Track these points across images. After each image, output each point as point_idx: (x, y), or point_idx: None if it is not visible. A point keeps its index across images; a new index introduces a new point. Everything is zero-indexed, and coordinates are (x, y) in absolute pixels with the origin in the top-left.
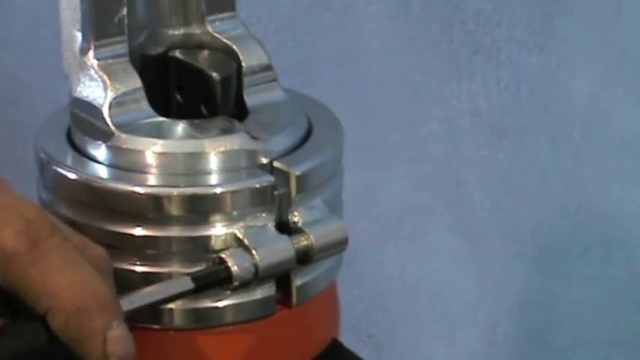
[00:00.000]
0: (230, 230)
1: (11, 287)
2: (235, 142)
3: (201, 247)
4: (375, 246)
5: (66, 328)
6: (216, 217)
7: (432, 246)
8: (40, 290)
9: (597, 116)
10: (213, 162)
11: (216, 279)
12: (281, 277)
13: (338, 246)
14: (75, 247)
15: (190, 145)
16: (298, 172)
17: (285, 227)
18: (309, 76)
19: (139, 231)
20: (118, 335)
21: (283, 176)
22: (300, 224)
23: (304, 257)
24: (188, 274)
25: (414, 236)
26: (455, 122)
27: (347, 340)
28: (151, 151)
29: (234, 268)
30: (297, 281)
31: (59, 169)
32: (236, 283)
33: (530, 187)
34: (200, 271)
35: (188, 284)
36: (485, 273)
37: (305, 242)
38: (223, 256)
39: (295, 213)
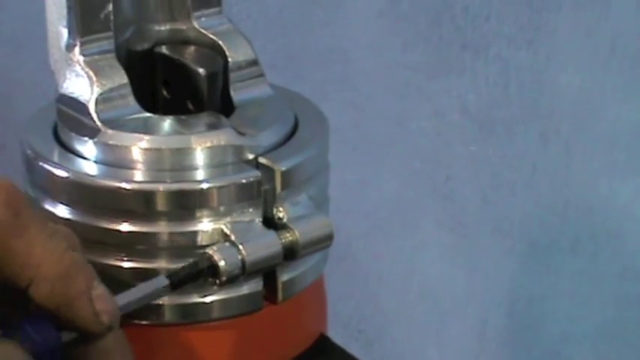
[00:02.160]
0: (217, 226)
1: None
2: (222, 137)
3: (188, 242)
4: (365, 241)
5: (52, 295)
6: (203, 212)
7: (422, 241)
8: (23, 262)
9: (586, 111)
10: (200, 158)
11: (194, 276)
12: (267, 272)
13: (323, 242)
14: (46, 219)
15: (177, 141)
16: (283, 168)
17: (270, 223)
18: (299, 72)
19: (125, 227)
20: (102, 293)
21: (268, 172)
22: (285, 220)
23: (289, 253)
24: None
25: (404, 231)
26: (444, 118)
27: (338, 335)
28: (138, 147)
29: (222, 263)
30: (283, 277)
31: (46, 166)
32: (224, 278)
33: (520, 181)
34: (178, 271)
35: (165, 287)
36: (475, 268)
37: (290, 238)
38: (210, 251)
39: (280, 209)
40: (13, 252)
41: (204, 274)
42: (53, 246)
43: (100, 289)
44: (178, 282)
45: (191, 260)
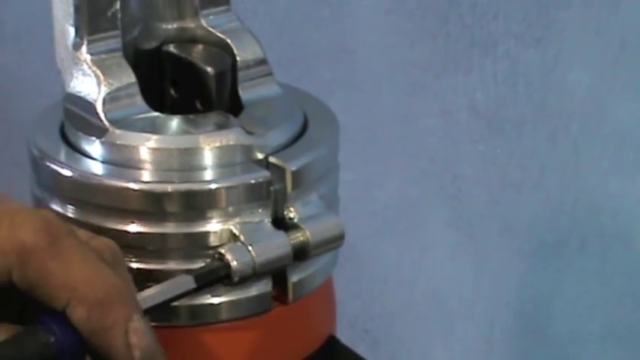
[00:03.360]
0: (226, 226)
1: (30, 282)
2: (230, 137)
3: (196, 243)
4: (372, 241)
5: (88, 320)
6: (212, 212)
7: (429, 241)
8: (60, 283)
9: (595, 110)
10: (208, 157)
11: (217, 276)
12: (277, 273)
13: (334, 242)
14: (92, 250)
15: (185, 141)
16: (294, 168)
17: (281, 223)
18: (306, 71)
19: (133, 227)
20: (140, 327)
21: (279, 172)
22: (295, 220)
23: (300, 253)
24: (185, 271)
25: (411, 231)
26: (452, 116)
27: (344, 335)
28: (146, 146)
29: (234, 263)
30: (293, 277)
31: (52, 166)
32: (236, 279)
33: (528, 181)
34: (201, 268)
35: (190, 284)
36: (483, 268)
37: (301, 238)
38: (222, 251)
39: (291, 209)
40: (49, 274)
41: (230, 275)
42: (93, 271)
43: (138, 323)
44: (204, 283)
45: (206, 260)
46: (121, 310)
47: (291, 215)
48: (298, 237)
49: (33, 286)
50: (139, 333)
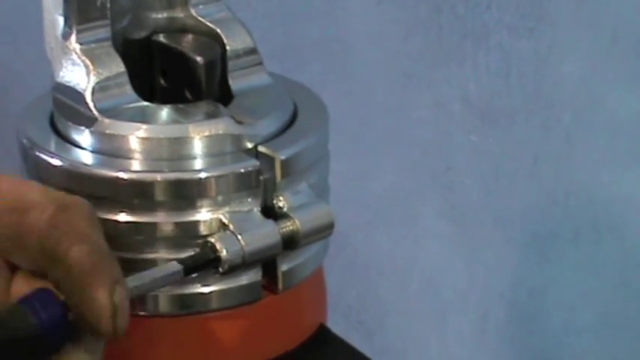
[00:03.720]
0: (215, 215)
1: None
2: (220, 126)
3: (186, 232)
4: (365, 232)
5: (81, 262)
6: (202, 202)
7: (422, 232)
8: (72, 231)
9: (588, 100)
10: (198, 147)
11: (205, 263)
12: (267, 262)
13: (324, 231)
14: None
15: (175, 130)
16: (283, 157)
17: (270, 212)
18: (299, 61)
19: (123, 217)
20: (123, 294)
21: (268, 161)
22: (285, 209)
23: (290, 242)
24: (175, 260)
25: (405, 222)
26: (445, 107)
27: (338, 326)
28: (135, 136)
29: (223, 252)
30: (283, 267)
31: (42, 155)
32: (225, 267)
33: (521, 172)
34: (190, 257)
35: (178, 272)
36: (476, 258)
37: (291, 227)
38: (212, 240)
39: (281, 198)
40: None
41: (218, 261)
42: (100, 237)
43: (122, 289)
44: (191, 268)
45: (196, 249)
46: (112, 270)
47: (281, 204)
48: (288, 226)
49: (47, 235)
50: (121, 297)
